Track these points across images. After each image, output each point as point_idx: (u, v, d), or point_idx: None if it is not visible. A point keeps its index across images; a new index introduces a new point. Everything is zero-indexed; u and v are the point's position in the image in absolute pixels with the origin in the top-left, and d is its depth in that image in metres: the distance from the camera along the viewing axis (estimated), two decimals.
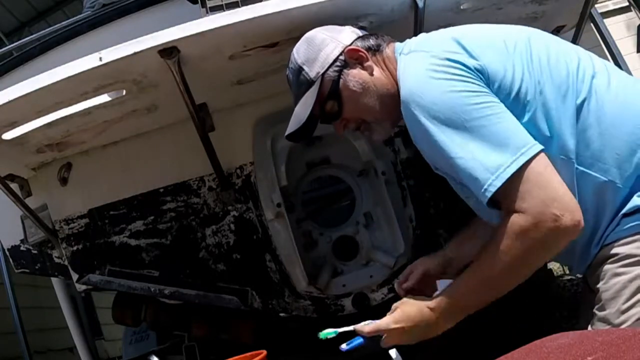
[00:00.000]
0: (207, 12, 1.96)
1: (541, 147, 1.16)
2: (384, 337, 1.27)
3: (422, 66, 1.24)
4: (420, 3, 1.66)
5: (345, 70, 1.35)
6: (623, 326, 1.15)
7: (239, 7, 1.85)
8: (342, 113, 1.37)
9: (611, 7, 7.10)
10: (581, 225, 1.13)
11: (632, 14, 6.67)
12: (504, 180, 1.14)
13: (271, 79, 1.91)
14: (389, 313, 1.29)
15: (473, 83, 1.19)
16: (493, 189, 1.15)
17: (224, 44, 1.63)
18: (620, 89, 1.25)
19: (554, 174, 1.16)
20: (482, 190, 1.16)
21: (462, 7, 1.79)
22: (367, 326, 1.28)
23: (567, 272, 4.79)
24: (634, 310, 1.15)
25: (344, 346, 1.28)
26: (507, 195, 1.16)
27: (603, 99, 1.22)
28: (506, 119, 1.17)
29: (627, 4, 6.66)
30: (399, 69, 1.31)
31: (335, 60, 1.35)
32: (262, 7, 1.55)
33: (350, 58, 1.35)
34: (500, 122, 1.17)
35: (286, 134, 1.42)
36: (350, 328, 1.29)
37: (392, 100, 1.32)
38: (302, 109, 1.36)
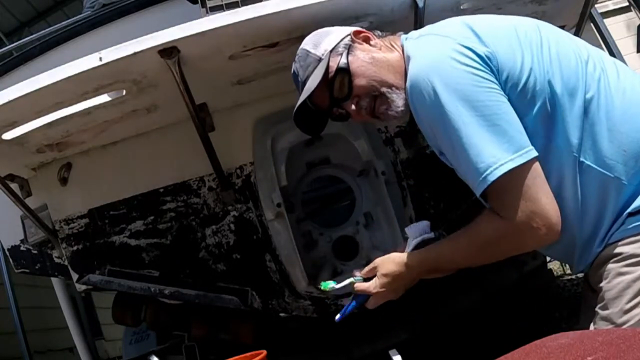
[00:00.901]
0: (207, 12, 1.96)
1: (534, 154, 1.16)
2: (370, 299, 1.40)
3: (436, 48, 1.24)
4: (420, 3, 1.66)
5: (353, 45, 1.36)
6: (625, 326, 1.15)
7: (239, 7, 1.85)
8: (352, 88, 1.33)
9: (611, 7, 7.09)
10: (557, 236, 1.19)
11: (632, 14, 6.67)
12: (488, 183, 1.16)
13: (271, 79, 1.91)
14: (370, 268, 1.40)
15: (483, 77, 1.18)
16: (480, 190, 1.19)
17: (224, 44, 1.63)
18: (628, 86, 1.24)
19: (542, 183, 1.17)
20: (473, 187, 1.21)
21: (462, 7, 1.79)
22: (359, 284, 1.40)
23: (567, 272, 4.79)
24: (637, 310, 1.15)
25: (337, 316, 1.42)
26: (492, 198, 1.21)
27: (613, 95, 1.22)
28: (506, 121, 1.17)
29: (627, 4, 6.65)
30: (407, 51, 1.31)
31: (342, 40, 1.37)
32: (262, 7, 1.55)
33: (357, 37, 1.38)
34: (500, 123, 1.17)
35: (296, 106, 1.38)
36: (347, 282, 1.42)
37: (402, 72, 1.31)
38: (311, 83, 1.34)
